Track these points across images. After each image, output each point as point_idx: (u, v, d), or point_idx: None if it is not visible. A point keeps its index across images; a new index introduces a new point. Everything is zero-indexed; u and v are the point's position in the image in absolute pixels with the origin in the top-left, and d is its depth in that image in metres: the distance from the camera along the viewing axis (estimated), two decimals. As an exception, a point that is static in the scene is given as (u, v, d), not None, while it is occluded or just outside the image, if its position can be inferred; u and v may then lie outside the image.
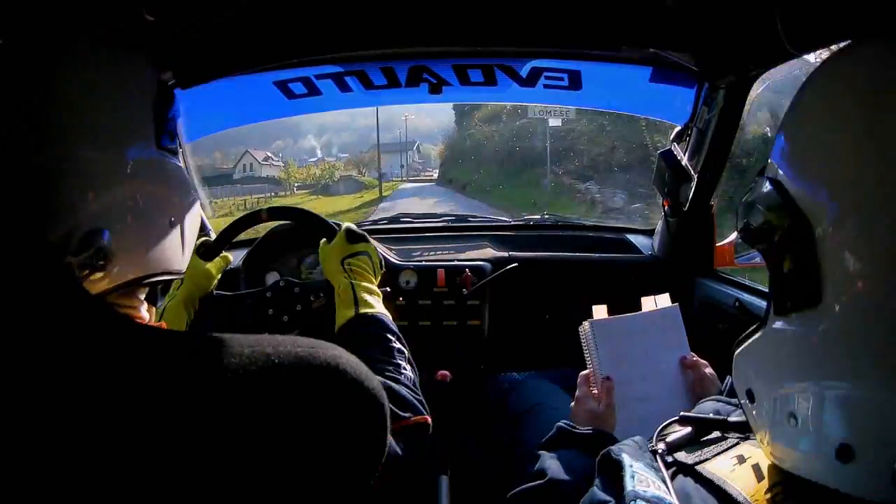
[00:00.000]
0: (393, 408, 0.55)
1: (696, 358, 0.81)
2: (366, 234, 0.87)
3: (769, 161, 0.39)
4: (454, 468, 1.10)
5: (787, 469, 0.40)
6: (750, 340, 0.43)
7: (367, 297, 0.75)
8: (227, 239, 0.97)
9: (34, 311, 0.34)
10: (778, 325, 0.39)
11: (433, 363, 1.20)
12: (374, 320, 0.71)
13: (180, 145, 0.53)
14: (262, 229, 1.19)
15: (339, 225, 0.92)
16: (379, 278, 0.84)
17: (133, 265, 0.44)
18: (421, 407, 0.60)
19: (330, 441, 0.36)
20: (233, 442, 0.33)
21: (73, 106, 0.40)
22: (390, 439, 0.52)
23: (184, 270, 0.52)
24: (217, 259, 0.94)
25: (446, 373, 1.19)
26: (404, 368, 0.64)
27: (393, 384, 0.60)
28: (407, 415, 0.57)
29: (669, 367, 0.81)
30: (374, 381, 0.40)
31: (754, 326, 0.43)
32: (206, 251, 0.92)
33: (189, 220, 0.53)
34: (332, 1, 0.83)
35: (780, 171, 0.37)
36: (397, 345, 0.67)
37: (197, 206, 0.55)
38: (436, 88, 1.15)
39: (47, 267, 0.35)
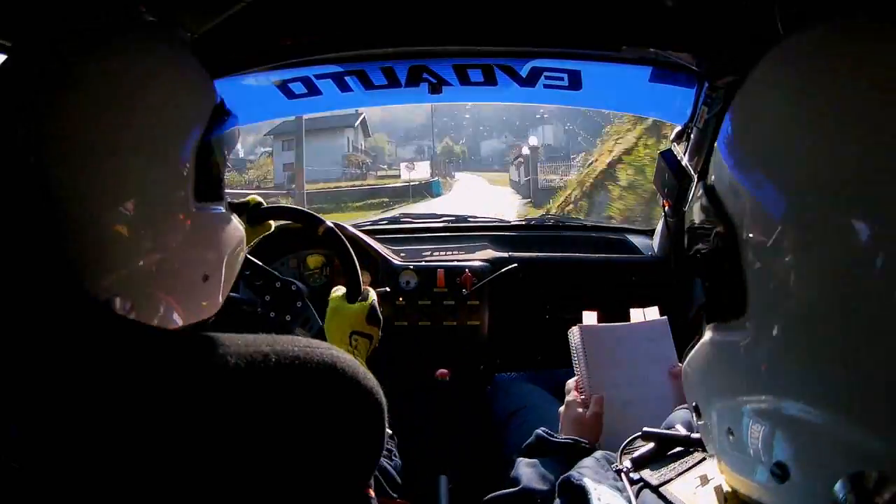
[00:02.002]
0: (384, 484, 0.61)
1: (680, 366, 0.81)
2: (381, 320, 0.86)
3: (710, 166, 0.38)
4: (454, 468, 1.10)
5: (733, 486, 0.38)
6: (690, 355, 0.42)
7: None
8: (279, 214, 0.95)
9: (40, 312, 0.34)
10: (709, 335, 0.38)
11: (433, 363, 1.20)
12: None
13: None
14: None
15: (367, 291, 0.90)
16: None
17: (157, 322, 0.42)
18: (401, 494, 0.65)
19: (328, 439, 0.36)
20: (231, 440, 0.33)
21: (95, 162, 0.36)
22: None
23: (214, 314, 0.49)
24: (258, 227, 0.89)
25: (445, 371, 1.19)
26: (395, 455, 0.69)
27: (386, 463, 0.65)
28: (395, 495, 0.62)
29: (657, 377, 0.81)
30: (372, 380, 0.40)
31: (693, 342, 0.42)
32: (254, 216, 0.87)
33: (227, 266, 0.49)
34: (333, 1, 0.83)
35: (713, 175, 0.36)
36: (389, 430, 0.70)
37: (239, 247, 0.51)
38: (436, 88, 1.15)
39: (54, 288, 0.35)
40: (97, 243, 0.37)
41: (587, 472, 0.50)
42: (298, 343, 0.38)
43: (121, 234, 0.38)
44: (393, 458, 0.68)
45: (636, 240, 1.46)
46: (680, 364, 0.80)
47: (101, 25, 0.39)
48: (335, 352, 0.39)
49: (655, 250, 1.38)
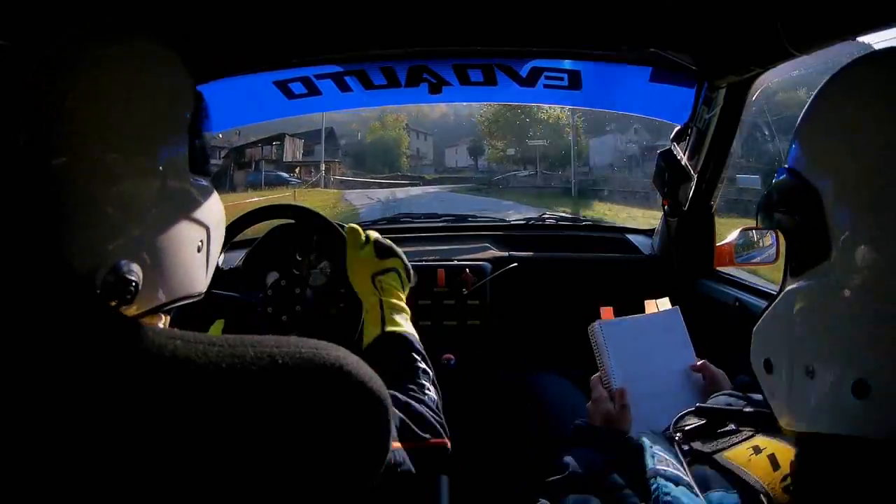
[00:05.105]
0: (412, 426, 0.56)
1: (703, 361, 0.83)
2: (393, 245, 0.85)
3: (787, 157, 0.46)
4: (454, 468, 1.11)
5: (806, 429, 0.41)
6: (767, 312, 0.47)
7: (394, 315, 0.74)
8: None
9: (48, 316, 0.34)
10: (793, 286, 0.44)
11: (433, 363, 1.20)
12: (401, 339, 0.71)
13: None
14: (262, 229, 1.18)
15: (342, 226, 0.91)
16: (407, 291, 0.82)
17: (158, 294, 0.43)
18: (441, 430, 0.59)
19: (333, 441, 0.36)
20: (236, 441, 0.33)
21: (102, 134, 0.38)
22: (405, 454, 0.51)
23: (204, 290, 0.51)
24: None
25: (450, 356, 1.20)
26: (428, 389, 0.64)
27: (414, 403, 0.59)
28: (426, 436, 0.57)
29: (676, 366, 0.83)
30: (378, 382, 0.40)
31: (770, 302, 0.47)
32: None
33: (215, 239, 0.51)
34: (333, 1, 0.83)
35: (794, 160, 0.45)
36: (422, 365, 0.67)
37: (223, 220, 0.54)
38: (436, 88, 1.16)
39: (63, 287, 0.36)
40: (104, 211, 0.39)
41: (645, 435, 0.52)
42: (305, 345, 0.38)
43: (128, 202, 0.40)
44: (425, 392, 0.63)
45: (636, 239, 1.46)
46: (699, 359, 0.83)
47: (91, 27, 0.41)
48: (342, 353, 0.39)
49: (655, 249, 1.39)
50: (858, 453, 0.38)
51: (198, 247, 0.48)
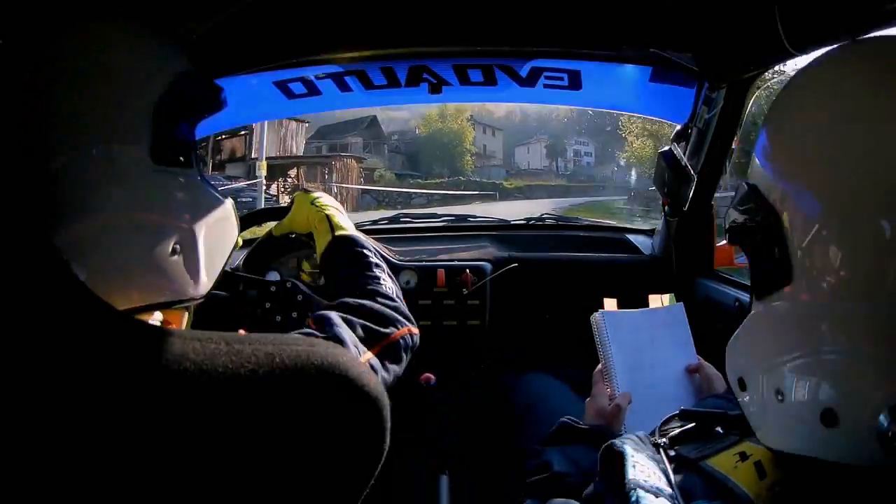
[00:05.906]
0: (374, 327, 0.55)
1: (701, 361, 0.82)
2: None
3: (750, 167, 0.45)
4: (454, 468, 1.11)
5: (779, 449, 0.41)
6: (736, 332, 0.47)
7: (340, 221, 0.78)
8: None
9: (35, 310, 0.34)
10: (759, 309, 0.43)
11: (433, 363, 1.20)
12: (350, 240, 0.74)
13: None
14: (261, 229, 1.19)
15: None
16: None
17: (121, 297, 0.40)
18: (404, 319, 0.60)
19: (329, 441, 0.36)
20: (232, 439, 0.33)
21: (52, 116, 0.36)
22: (377, 361, 0.51)
23: (201, 295, 0.47)
24: None
25: (430, 375, 1.18)
26: (383, 280, 0.65)
27: (370, 302, 0.58)
28: (388, 331, 0.56)
29: (677, 361, 0.83)
30: (374, 380, 0.40)
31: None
32: None
33: (206, 240, 0.47)
34: (333, 1, 0.83)
35: (756, 174, 0.43)
36: (375, 259, 0.70)
37: (221, 221, 0.49)
38: (436, 88, 1.15)
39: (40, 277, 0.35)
40: (52, 198, 0.36)
41: (628, 443, 0.51)
42: (301, 342, 0.38)
43: (75, 190, 0.37)
44: (380, 283, 0.62)
45: (636, 239, 1.46)
46: (698, 357, 0.83)
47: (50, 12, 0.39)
48: (338, 351, 0.39)
49: (655, 250, 1.38)
50: (829, 474, 0.37)
51: (173, 248, 0.43)
